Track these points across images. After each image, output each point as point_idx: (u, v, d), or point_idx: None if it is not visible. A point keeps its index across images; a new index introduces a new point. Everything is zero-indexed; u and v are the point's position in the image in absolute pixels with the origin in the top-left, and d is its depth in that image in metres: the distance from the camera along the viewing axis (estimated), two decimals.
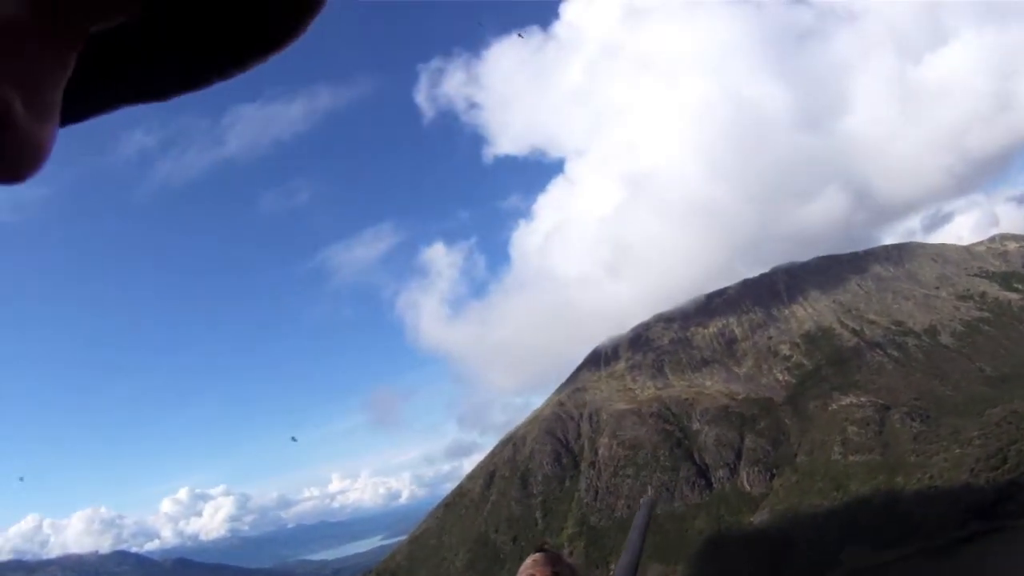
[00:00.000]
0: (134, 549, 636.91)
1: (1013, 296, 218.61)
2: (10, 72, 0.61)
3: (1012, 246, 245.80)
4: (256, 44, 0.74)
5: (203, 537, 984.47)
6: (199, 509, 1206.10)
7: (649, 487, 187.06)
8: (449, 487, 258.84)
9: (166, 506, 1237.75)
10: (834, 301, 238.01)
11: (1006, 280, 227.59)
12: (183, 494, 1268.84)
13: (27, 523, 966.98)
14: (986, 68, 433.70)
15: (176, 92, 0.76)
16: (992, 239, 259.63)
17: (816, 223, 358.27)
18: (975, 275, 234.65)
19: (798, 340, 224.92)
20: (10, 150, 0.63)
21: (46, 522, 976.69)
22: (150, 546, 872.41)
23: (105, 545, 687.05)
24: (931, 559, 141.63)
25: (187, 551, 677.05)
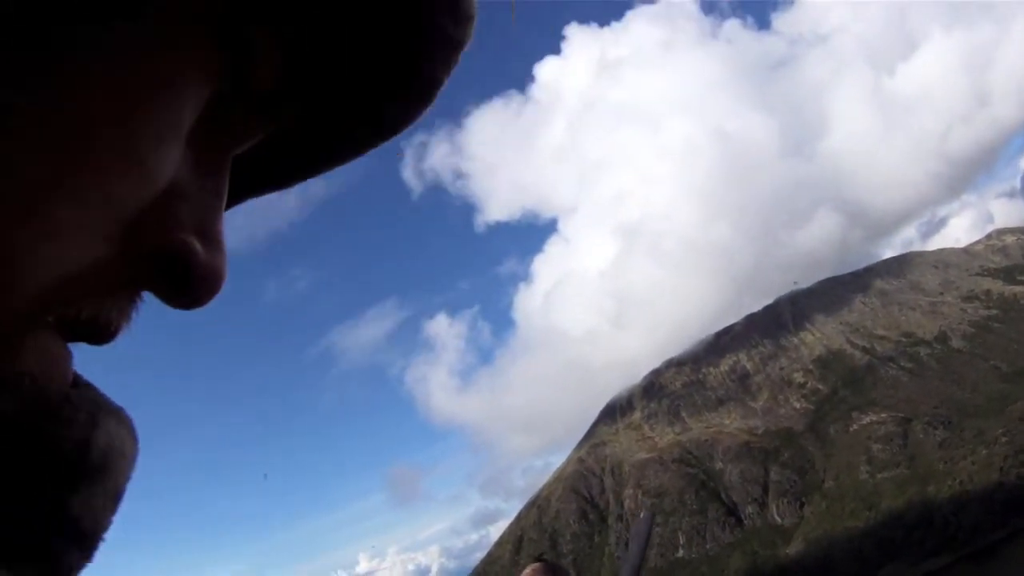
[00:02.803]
0: None
1: (1018, 289, 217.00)
2: (187, 219, 0.58)
3: (1010, 240, 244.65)
4: (374, 136, 0.68)
5: None
6: None
7: (679, 532, 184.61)
8: (479, 556, 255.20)
9: None
10: (841, 322, 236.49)
11: (1009, 274, 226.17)
12: None
13: None
14: (959, 68, 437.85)
15: (296, 182, 0.75)
16: (989, 236, 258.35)
17: (814, 247, 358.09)
18: (977, 274, 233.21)
19: (810, 366, 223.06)
20: (196, 284, 0.60)
21: None
22: None
23: None
24: (972, 565, 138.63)
25: None
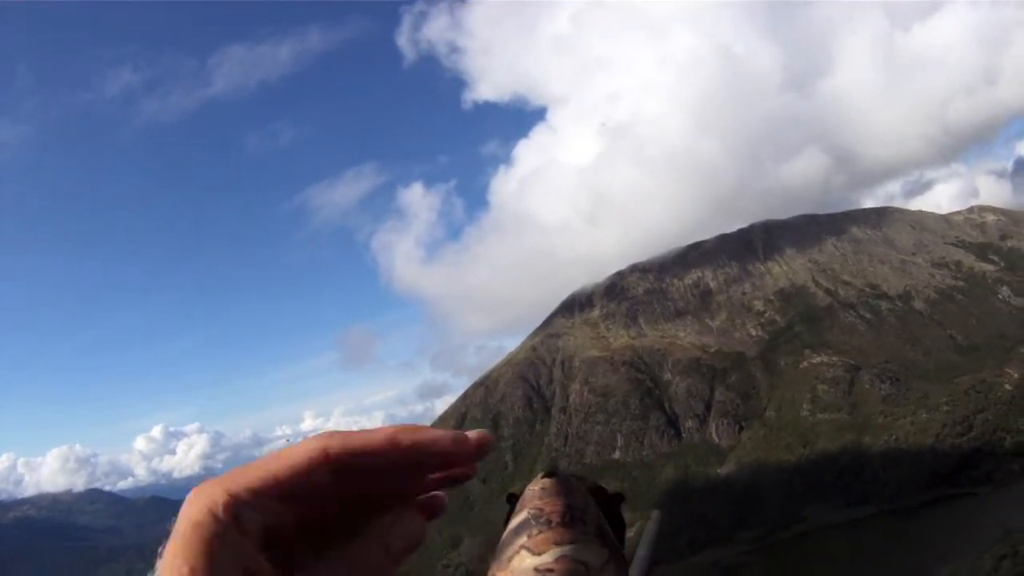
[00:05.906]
0: (108, 487, 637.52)
1: (988, 267, 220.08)
2: None
3: (990, 218, 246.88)
4: None
5: (176, 475, 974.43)
6: (173, 447, 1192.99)
7: (619, 435, 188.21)
8: None
9: (140, 444, 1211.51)
10: (810, 260, 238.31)
11: (982, 251, 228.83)
12: (157, 431, 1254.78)
13: (1, 462, 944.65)
14: (975, 40, 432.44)
15: None
16: (970, 210, 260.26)
17: (796, 182, 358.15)
18: (952, 244, 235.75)
19: (772, 297, 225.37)
20: None
21: (20, 461, 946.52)
22: (123, 484, 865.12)
23: (79, 483, 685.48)
24: (892, 520, 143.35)
25: (161, 489, 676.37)
